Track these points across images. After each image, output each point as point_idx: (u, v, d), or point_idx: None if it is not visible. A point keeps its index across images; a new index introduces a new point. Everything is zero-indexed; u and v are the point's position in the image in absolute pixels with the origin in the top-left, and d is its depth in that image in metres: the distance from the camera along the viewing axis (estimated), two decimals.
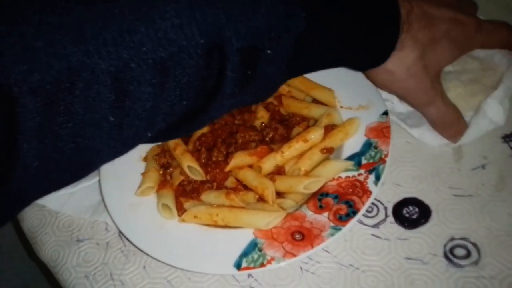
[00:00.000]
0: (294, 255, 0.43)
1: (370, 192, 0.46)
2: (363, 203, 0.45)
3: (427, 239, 0.47)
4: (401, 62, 0.43)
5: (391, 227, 0.48)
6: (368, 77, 0.50)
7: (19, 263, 0.93)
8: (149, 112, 0.30)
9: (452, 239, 0.46)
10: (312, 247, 0.43)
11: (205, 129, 0.55)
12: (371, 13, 0.38)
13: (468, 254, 0.45)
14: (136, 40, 0.27)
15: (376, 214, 0.49)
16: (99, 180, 0.53)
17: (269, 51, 0.32)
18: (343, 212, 0.45)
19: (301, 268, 0.46)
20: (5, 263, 0.93)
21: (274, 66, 0.33)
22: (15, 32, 0.25)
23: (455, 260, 0.45)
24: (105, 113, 0.28)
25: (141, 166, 0.54)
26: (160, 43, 0.28)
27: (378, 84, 0.49)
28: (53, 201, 0.56)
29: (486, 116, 0.49)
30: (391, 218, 0.48)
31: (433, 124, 0.50)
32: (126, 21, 0.27)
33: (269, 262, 0.43)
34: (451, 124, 0.50)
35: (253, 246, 0.44)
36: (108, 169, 0.53)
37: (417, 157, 0.53)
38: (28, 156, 0.26)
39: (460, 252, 0.45)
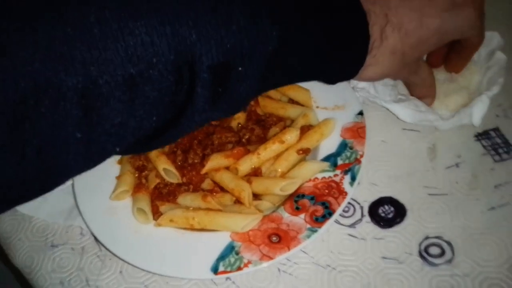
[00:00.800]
0: (271, 258, 0.43)
1: (346, 193, 0.46)
2: (339, 204, 0.45)
3: (403, 238, 0.47)
4: (377, 72, 0.43)
5: (367, 227, 0.48)
6: None
7: None
8: (118, 128, 0.30)
9: (427, 237, 0.47)
10: (289, 249, 0.43)
11: None
12: (340, 34, 0.38)
13: (442, 253, 0.45)
14: (105, 56, 0.27)
15: (353, 214, 0.49)
16: (72, 184, 0.52)
17: (240, 69, 0.32)
18: (319, 214, 0.45)
19: (279, 270, 0.46)
20: None
21: (246, 83, 0.33)
22: None
23: (430, 258, 0.45)
24: (71, 130, 0.28)
25: (116, 169, 0.53)
26: (130, 59, 0.28)
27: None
28: (26, 206, 0.55)
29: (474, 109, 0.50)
30: (367, 218, 0.49)
31: (411, 87, 0.53)
32: (95, 38, 0.27)
33: (246, 265, 0.43)
34: (425, 86, 0.52)
35: (230, 249, 0.44)
36: None
37: (392, 157, 0.53)
38: None
39: (434, 250, 0.46)
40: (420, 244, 0.46)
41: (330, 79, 0.43)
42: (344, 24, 0.38)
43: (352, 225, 0.48)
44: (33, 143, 0.26)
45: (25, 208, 0.55)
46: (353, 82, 0.55)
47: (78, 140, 0.28)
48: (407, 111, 0.52)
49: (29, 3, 0.26)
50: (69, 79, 0.26)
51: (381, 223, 0.48)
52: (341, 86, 0.55)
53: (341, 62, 0.40)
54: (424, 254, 0.46)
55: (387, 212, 0.49)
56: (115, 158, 0.55)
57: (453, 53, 0.52)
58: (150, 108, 0.30)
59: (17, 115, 0.25)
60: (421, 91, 0.52)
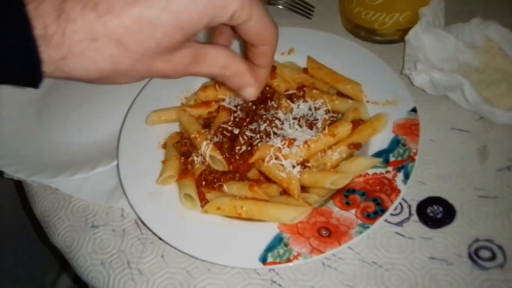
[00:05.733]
0: (321, 252, 0.42)
1: (399, 191, 0.45)
2: (392, 202, 0.44)
3: (451, 239, 0.46)
4: (89, 67, 0.31)
5: (415, 226, 0.47)
6: None
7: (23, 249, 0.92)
8: None
9: (477, 240, 0.46)
10: (340, 244, 0.42)
11: (225, 118, 0.54)
12: None
13: (493, 256, 0.44)
14: None
15: (400, 212, 0.48)
16: (117, 166, 0.52)
17: None
18: (371, 210, 0.44)
19: (324, 264, 0.46)
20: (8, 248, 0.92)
21: None
22: None
23: (480, 261, 0.44)
24: None
25: (160, 154, 0.53)
26: None
27: None
28: (67, 185, 0.55)
29: None
30: (415, 217, 0.48)
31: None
32: None
33: (295, 257, 0.42)
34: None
35: (278, 240, 0.44)
36: (125, 155, 0.52)
37: (441, 156, 0.52)
38: None
39: (485, 253, 0.45)
40: (469, 246, 0.45)
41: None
42: None
43: (399, 224, 0.48)
44: None
45: (65, 187, 0.55)
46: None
47: None
48: (473, 90, 0.51)
49: None
50: None
51: (430, 223, 0.47)
52: (393, 80, 0.54)
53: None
54: (474, 256, 0.45)
55: (435, 212, 0.48)
56: (159, 142, 0.54)
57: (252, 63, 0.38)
58: None
59: None
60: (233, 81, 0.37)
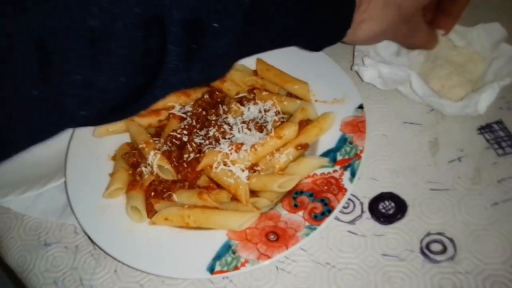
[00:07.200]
0: (269, 257, 0.42)
1: (346, 190, 0.45)
2: (339, 201, 0.44)
3: (404, 234, 0.46)
4: (374, 28, 0.41)
5: (368, 223, 0.47)
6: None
7: None
8: (81, 88, 0.27)
9: (429, 234, 0.46)
10: (287, 248, 0.42)
11: (176, 126, 0.53)
12: None
13: (444, 250, 0.44)
14: (61, 6, 0.25)
15: (352, 210, 0.48)
16: (65, 182, 0.51)
17: (215, 24, 0.30)
18: (318, 211, 0.44)
19: (277, 268, 0.45)
20: None
21: (222, 40, 0.31)
22: None
23: (432, 255, 0.44)
24: (27, 86, 0.25)
25: (109, 166, 0.52)
26: (90, 11, 0.25)
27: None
28: (18, 203, 0.54)
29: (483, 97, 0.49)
30: (367, 214, 0.48)
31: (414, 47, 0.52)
32: None
33: (243, 264, 0.42)
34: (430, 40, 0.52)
35: (226, 248, 0.43)
36: (74, 169, 0.51)
37: (393, 151, 0.52)
38: None
39: (436, 247, 0.45)
40: (421, 241, 0.45)
41: (317, 41, 0.41)
42: None
43: (352, 222, 0.47)
44: None
45: (17, 206, 0.54)
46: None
47: (35, 98, 0.26)
48: (421, 82, 0.50)
49: None
50: (21, 28, 0.24)
51: (382, 219, 0.47)
52: (341, 78, 0.53)
53: (326, 17, 0.38)
54: (425, 251, 0.44)
55: (387, 208, 0.48)
56: (109, 154, 0.53)
57: (442, 13, 0.51)
58: (116, 67, 0.28)
59: None
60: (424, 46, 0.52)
